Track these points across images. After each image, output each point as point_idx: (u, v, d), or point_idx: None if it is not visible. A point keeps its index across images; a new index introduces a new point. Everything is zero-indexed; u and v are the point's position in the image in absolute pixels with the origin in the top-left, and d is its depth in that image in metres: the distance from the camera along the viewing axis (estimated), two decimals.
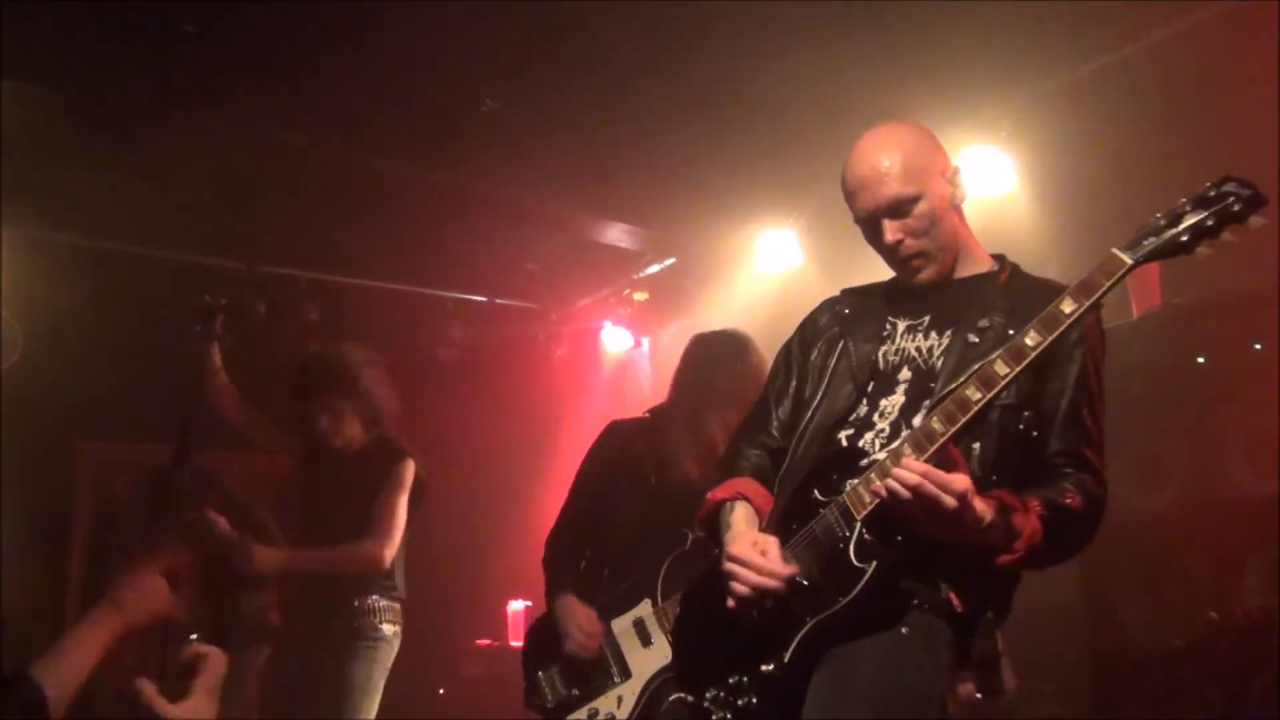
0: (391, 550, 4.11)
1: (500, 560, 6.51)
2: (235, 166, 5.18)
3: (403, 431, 4.84)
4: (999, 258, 2.42)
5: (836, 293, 2.61)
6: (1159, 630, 3.74)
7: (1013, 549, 2.01)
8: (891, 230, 2.30)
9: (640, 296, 6.92)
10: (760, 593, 2.16)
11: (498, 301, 7.19)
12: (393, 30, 4.24)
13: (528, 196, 5.77)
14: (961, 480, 1.95)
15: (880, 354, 2.36)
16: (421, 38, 4.32)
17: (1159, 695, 3.70)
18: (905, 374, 2.30)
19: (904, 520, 2.02)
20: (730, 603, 2.22)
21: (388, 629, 4.17)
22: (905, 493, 1.96)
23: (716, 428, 3.47)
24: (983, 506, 1.98)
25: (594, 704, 3.37)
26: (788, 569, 2.16)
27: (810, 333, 2.54)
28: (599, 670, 3.41)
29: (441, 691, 6.50)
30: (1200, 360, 3.81)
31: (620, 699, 3.33)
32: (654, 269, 6.78)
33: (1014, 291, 2.28)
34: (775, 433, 2.48)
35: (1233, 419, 3.66)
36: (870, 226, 2.35)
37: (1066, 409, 2.17)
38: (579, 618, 3.46)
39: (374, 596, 4.16)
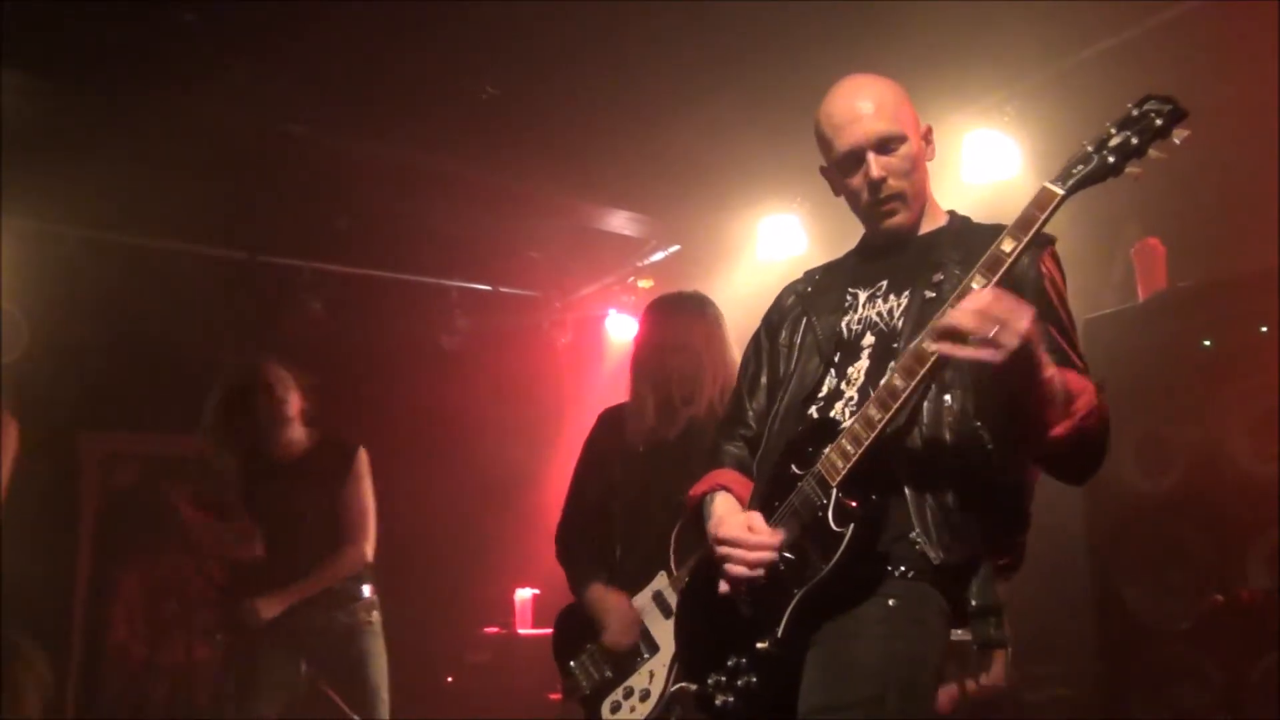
0: (371, 544, 4.46)
1: (507, 548, 6.52)
2: (237, 156, 5.19)
3: (408, 422, 4.90)
4: (951, 213, 2.44)
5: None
6: (1163, 612, 3.74)
7: (1071, 412, 1.96)
8: (878, 165, 2.29)
9: (645, 284, 6.92)
10: (756, 567, 2.17)
11: (501, 290, 7.19)
12: (394, 17, 4.24)
13: (530, 184, 5.77)
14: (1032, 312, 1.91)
15: (844, 324, 2.37)
16: (422, 25, 4.31)
17: (1163, 677, 3.70)
18: (869, 339, 2.31)
19: (972, 363, 1.94)
20: (725, 586, 2.24)
21: (379, 617, 4.52)
22: (971, 319, 1.89)
23: (673, 372, 3.56)
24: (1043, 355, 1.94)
25: (628, 683, 3.42)
26: (777, 536, 2.18)
27: (776, 317, 2.57)
28: (628, 648, 3.45)
29: (450, 679, 6.53)
30: (1206, 343, 3.80)
31: (652, 674, 3.37)
32: (658, 256, 6.77)
33: (964, 241, 2.28)
34: (751, 423, 2.51)
35: (1238, 401, 3.65)
36: (852, 164, 2.33)
37: (1045, 341, 2.10)
38: (616, 606, 3.49)
39: (365, 587, 4.49)
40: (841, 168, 2.37)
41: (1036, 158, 4.70)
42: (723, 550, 2.23)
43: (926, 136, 2.40)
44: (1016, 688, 4.17)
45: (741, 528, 2.23)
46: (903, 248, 2.37)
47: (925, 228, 2.40)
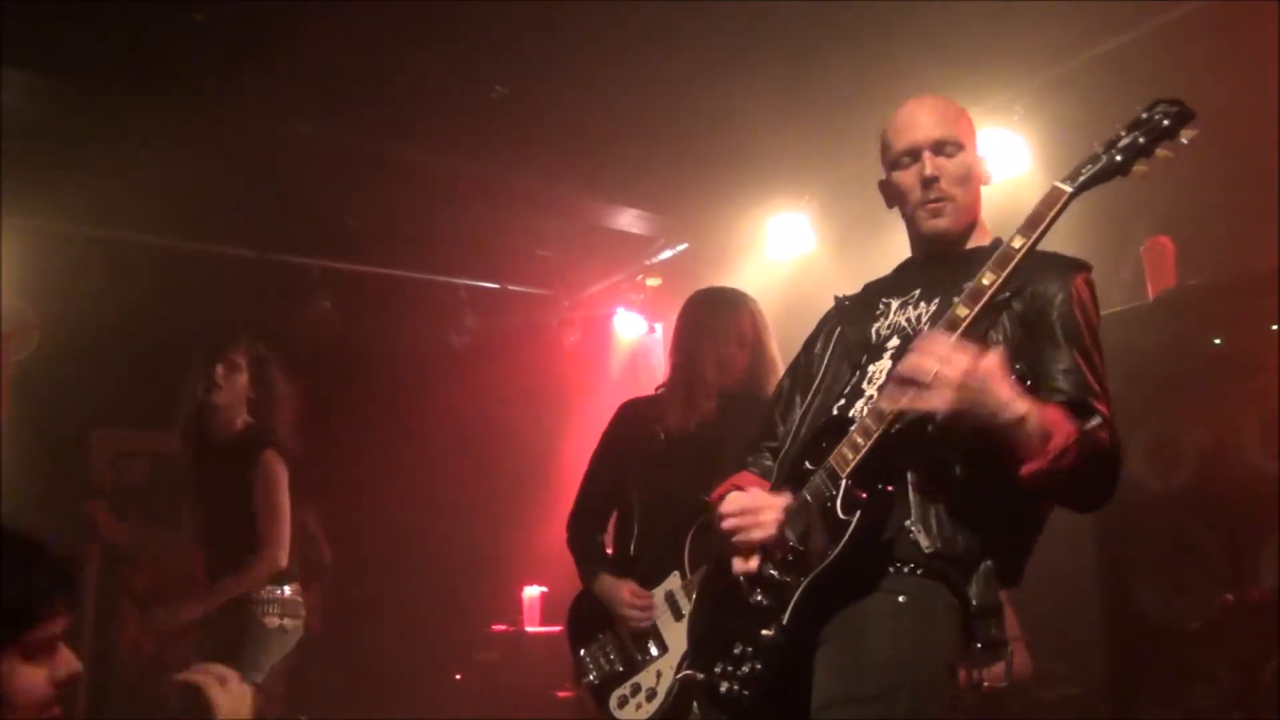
0: (284, 549, 4.15)
1: (515, 545, 6.53)
2: (246, 154, 5.20)
3: (417, 420, 4.85)
4: (997, 239, 2.44)
5: (849, 278, 2.68)
6: (1173, 612, 3.72)
7: (1045, 451, 1.95)
8: (932, 165, 2.35)
9: (653, 282, 6.92)
10: (751, 525, 2.26)
11: (510, 288, 7.20)
12: (402, 16, 4.24)
13: (539, 183, 5.78)
14: (991, 355, 1.95)
15: (873, 330, 2.42)
16: (431, 24, 4.32)
17: (1173, 677, 3.69)
18: (893, 342, 2.36)
19: (931, 415, 1.97)
20: (730, 553, 2.31)
21: (273, 621, 4.16)
22: (926, 359, 1.95)
23: (710, 364, 3.57)
24: (1017, 394, 1.96)
25: (636, 679, 3.43)
26: (780, 498, 2.27)
27: (815, 331, 2.62)
28: (639, 645, 3.46)
29: (458, 677, 6.54)
30: (1216, 341, 3.79)
31: (659, 674, 3.39)
32: (666, 254, 6.78)
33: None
34: (780, 437, 2.55)
35: (1249, 400, 3.63)
36: (910, 160, 2.39)
37: (1064, 363, 2.14)
38: (624, 593, 3.49)
39: (266, 589, 4.16)
40: (897, 165, 2.42)
41: (1045, 156, 4.69)
42: (722, 508, 2.33)
43: (984, 162, 2.47)
44: (1026, 684, 4.16)
45: (743, 495, 2.34)
46: (942, 260, 2.40)
47: (969, 245, 2.42)
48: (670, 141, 5.22)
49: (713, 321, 3.65)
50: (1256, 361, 3.62)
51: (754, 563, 2.26)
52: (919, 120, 2.39)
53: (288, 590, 4.21)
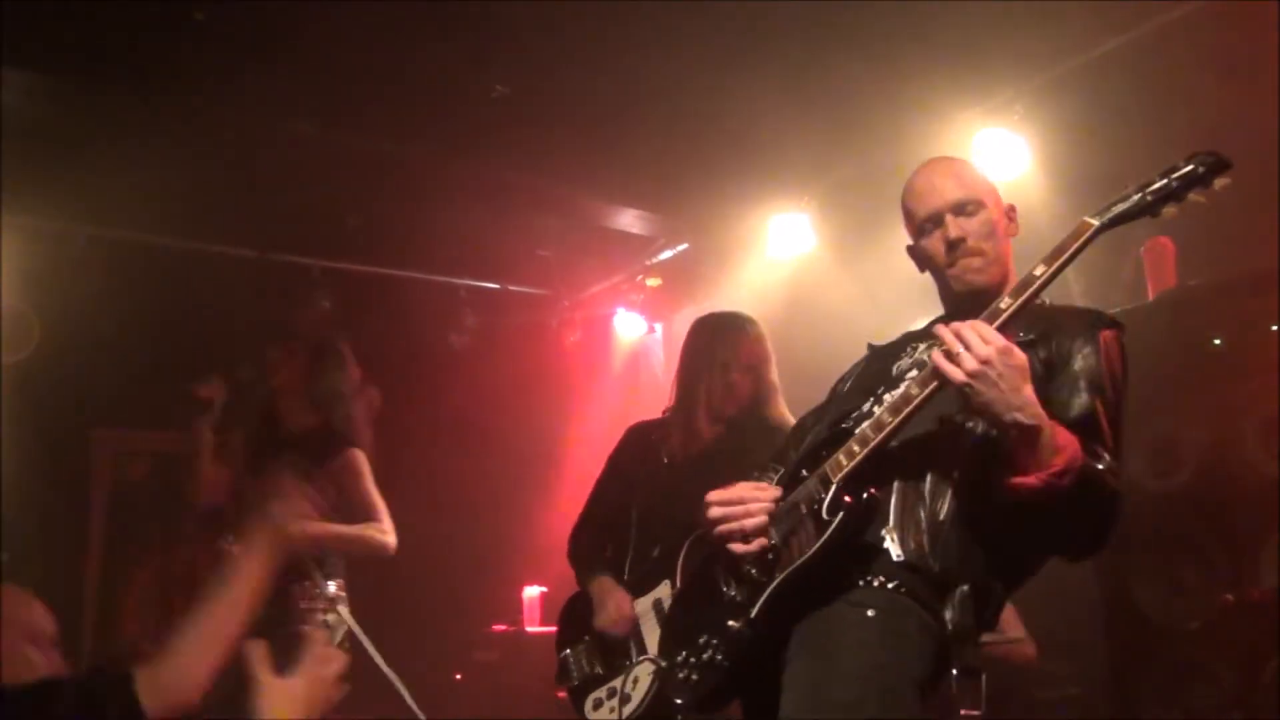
0: (392, 534, 4.16)
1: (515, 546, 6.53)
2: (246, 154, 5.20)
3: (417, 420, 4.78)
4: None
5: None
6: (1173, 612, 3.72)
7: (1048, 465, 1.95)
8: (955, 227, 2.38)
9: (653, 282, 6.92)
10: (742, 514, 2.28)
11: (510, 288, 7.19)
12: (403, 16, 4.24)
13: (539, 183, 5.78)
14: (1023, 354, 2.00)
15: (895, 366, 2.47)
16: (432, 23, 4.32)
17: (1173, 677, 3.69)
18: (913, 373, 2.37)
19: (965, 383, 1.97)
20: (719, 540, 2.33)
21: (318, 619, 4.11)
22: (950, 333, 1.99)
23: (714, 390, 3.60)
24: (1038, 402, 1.98)
25: (613, 683, 3.44)
26: (773, 490, 2.31)
27: (842, 375, 2.68)
28: (620, 650, 3.47)
29: (458, 677, 6.54)
30: (1216, 342, 3.79)
31: (636, 679, 3.38)
32: (667, 255, 6.77)
33: (1031, 309, 2.29)
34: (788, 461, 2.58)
35: (1249, 400, 3.63)
36: (933, 225, 2.43)
37: (1078, 410, 2.15)
38: (616, 597, 3.51)
39: (332, 584, 4.15)
40: (922, 232, 2.46)
41: (1045, 156, 4.69)
42: (706, 500, 2.35)
43: (1009, 214, 2.49)
44: (1033, 671, 4.15)
45: (733, 488, 2.36)
46: (970, 311, 2.38)
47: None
48: (670, 141, 5.22)
49: (713, 347, 3.68)
50: (1256, 361, 3.62)
51: (754, 545, 2.27)
52: (935, 185, 2.45)
53: (332, 586, 4.16)
